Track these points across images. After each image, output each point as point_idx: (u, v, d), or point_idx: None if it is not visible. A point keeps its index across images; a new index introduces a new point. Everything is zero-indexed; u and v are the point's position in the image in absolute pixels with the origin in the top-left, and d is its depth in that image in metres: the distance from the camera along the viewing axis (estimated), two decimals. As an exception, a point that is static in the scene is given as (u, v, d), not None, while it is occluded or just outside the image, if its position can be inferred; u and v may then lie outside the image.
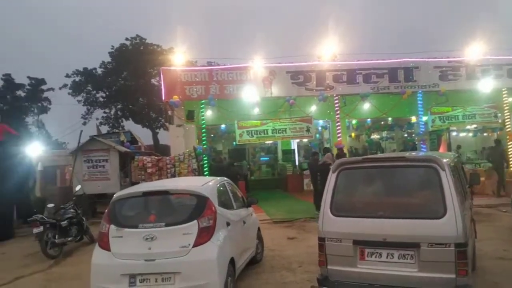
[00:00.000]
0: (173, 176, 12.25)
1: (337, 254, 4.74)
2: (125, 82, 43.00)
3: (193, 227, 5.15)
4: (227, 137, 25.74)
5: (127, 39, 42.49)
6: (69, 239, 9.60)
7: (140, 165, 12.27)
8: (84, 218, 10.35)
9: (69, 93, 41.93)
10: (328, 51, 17.01)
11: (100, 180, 12.51)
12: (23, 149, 12.37)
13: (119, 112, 43.91)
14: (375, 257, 4.60)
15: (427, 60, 17.40)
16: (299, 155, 23.42)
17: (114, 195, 5.75)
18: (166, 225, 5.18)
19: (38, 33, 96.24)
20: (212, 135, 23.49)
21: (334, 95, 16.97)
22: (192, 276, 5.03)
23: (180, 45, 17.49)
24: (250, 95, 16.33)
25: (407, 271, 4.40)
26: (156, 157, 12.72)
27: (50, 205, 10.00)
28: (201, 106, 17.12)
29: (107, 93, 43.25)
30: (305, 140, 22.13)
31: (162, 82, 16.85)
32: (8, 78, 39.85)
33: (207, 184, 5.86)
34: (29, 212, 12.80)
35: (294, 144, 23.35)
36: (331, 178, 4.96)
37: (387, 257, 4.54)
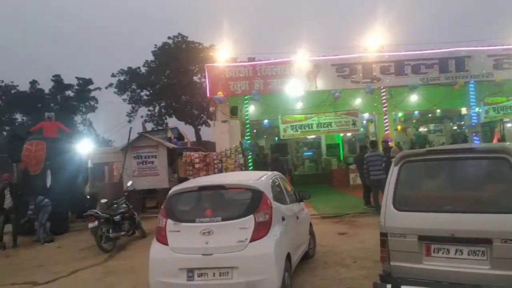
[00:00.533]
0: (220, 171, 12.30)
1: (401, 250, 4.54)
2: (168, 80, 43.79)
3: (249, 221, 5.09)
4: (270, 132, 25.65)
5: (169, 37, 43.20)
6: (122, 233, 9.82)
7: (188, 161, 12.39)
8: (135, 213, 10.56)
9: (114, 92, 43.13)
10: (375, 42, 16.55)
11: (149, 176, 12.75)
12: (75, 146, 12.77)
13: (162, 110, 44.75)
14: (443, 253, 4.36)
15: (480, 48, 16.61)
16: (344, 150, 23.00)
17: (170, 190, 5.78)
18: (223, 220, 5.15)
19: (84, 34, 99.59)
20: (254, 131, 23.47)
21: (381, 87, 16.52)
22: (249, 271, 4.97)
23: (223, 42, 17.44)
24: (295, 90, 16.16)
25: (478, 268, 4.15)
26: (203, 153, 12.81)
27: (103, 200, 10.26)
28: (245, 101, 17.12)
29: (151, 91, 44.19)
30: (348, 134, 21.74)
31: (206, 79, 16.95)
32: (57, 79, 41.44)
33: (261, 179, 5.79)
34: (81, 207, 13.27)
35: (339, 138, 22.98)
36: (393, 172, 4.75)
37: (455, 254, 4.30)
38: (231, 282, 4.99)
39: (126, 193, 10.74)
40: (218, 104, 16.63)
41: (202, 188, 5.66)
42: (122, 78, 43.17)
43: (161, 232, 5.39)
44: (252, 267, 4.98)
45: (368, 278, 6.12)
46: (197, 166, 12.20)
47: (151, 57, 43.51)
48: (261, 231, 5.08)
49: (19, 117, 42.29)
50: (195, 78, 45.73)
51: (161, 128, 32.41)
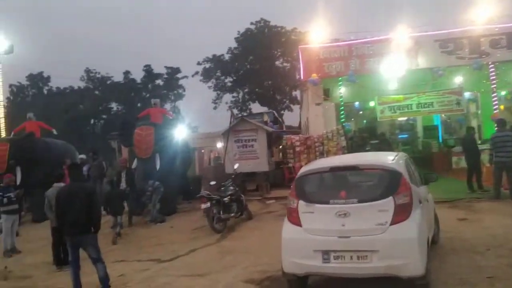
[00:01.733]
0: (322, 154, 12.09)
1: None
2: (251, 66, 44.29)
3: (388, 203, 4.84)
4: (359, 114, 24.93)
5: (252, 23, 43.56)
6: (231, 215, 10.02)
7: (289, 144, 12.34)
8: (242, 195, 10.72)
9: (200, 80, 44.46)
10: (483, 14, 15.20)
11: (250, 159, 12.87)
12: (177, 131, 13.21)
13: (246, 96, 45.42)
14: None
15: None
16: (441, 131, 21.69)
17: (300, 171, 5.70)
18: (359, 202, 4.94)
19: (172, 24, 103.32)
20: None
21: (489, 62, 15.19)
22: (391, 255, 4.74)
23: (316, 22, 17.00)
24: (393, 69, 15.38)
25: None
26: (304, 136, 12.67)
27: (212, 183, 10.55)
28: (339, 83, 16.67)
29: (235, 77, 44.99)
30: (444, 115, 20.42)
31: (300, 61, 16.67)
32: (148, 69, 43.58)
33: (396, 159, 5.49)
34: (186, 189, 13.80)
35: (437, 120, 21.70)
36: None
37: None
38: (370, 266, 4.80)
39: (233, 176, 10.92)
40: (312, 87, 16.35)
41: (334, 169, 5.49)
42: (207, 65, 44.36)
43: (293, 213, 5.31)
44: (393, 251, 4.74)
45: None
46: (298, 149, 12.10)
47: (234, 44, 44.25)
48: (402, 214, 4.81)
49: (114, 105, 45.16)
50: (277, 63, 45.81)
51: (251, 112, 32.70)
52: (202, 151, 19.03)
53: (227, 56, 44.45)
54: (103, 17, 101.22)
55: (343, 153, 11.99)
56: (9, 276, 7.84)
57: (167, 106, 45.97)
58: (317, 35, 16.72)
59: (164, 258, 8.13)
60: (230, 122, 12.99)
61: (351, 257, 4.88)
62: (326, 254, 4.96)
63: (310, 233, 5.09)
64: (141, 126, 12.04)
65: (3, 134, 16.13)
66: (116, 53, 73.52)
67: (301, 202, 5.24)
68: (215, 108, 44.46)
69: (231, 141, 13.05)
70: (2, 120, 17.34)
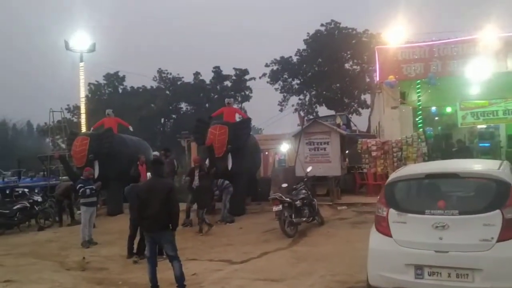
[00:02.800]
0: (400, 160, 11.42)
1: None
2: (319, 68, 43.64)
3: (495, 217, 4.29)
4: (434, 120, 23.56)
5: (322, 25, 42.89)
6: (303, 219, 9.69)
7: (364, 148, 11.79)
8: (314, 200, 10.36)
9: (267, 82, 44.45)
10: None
11: (321, 163, 12.46)
12: (249, 131, 13.10)
13: (313, 98, 44.82)
14: None
15: None
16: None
17: (390, 177, 5.28)
18: (460, 213, 4.43)
19: (241, 25, 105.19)
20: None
21: None
22: (497, 276, 4.19)
23: (395, 22, 16.26)
24: (479, 71, 14.31)
25: None
26: (380, 140, 12.07)
27: (284, 185, 10.26)
28: (417, 85, 15.80)
29: (302, 80, 44.54)
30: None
31: (376, 62, 16.01)
32: (217, 70, 44.30)
33: (502, 168, 4.90)
34: (255, 190, 13.66)
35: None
36: None
37: None
38: (472, 286, 4.28)
39: (305, 179, 10.59)
40: (388, 89, 15.63)
41: (431, 176, 4.99)
42: (274, 67, 44.29)
43: (382, 222, 4.90)
44: (501, 272, 4.19)
45: None
46: (374, 154, 11.52)
47: (303, 46, 43.83)
48: (511, 230, 4.25)
49: (183, 105, 46.37)
50: (347, 65, 44.78)
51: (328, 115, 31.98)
52: (266, 153, 18.82)
53: (295, 58, 44.09)
54: (177, 20, 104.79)
55: (424, 160, 11.27)
56: (86, 267, 8.04)
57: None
58: (394, 35, 16.02)
59: (236, 259, 7.96)
60: (301, 124, 12.65)
61: (449, 275, 4.38)
62: (419, 269, 4.50)
63: (401, 245, 4.65)
64: (215, 125, 12.05)
65: (84, 130, 17.00)
66: (188, 54, 75.85)
67: (392, 211, 4.82)
68: (281, 110, 44.29)
69: (302, 143, 12.71)
70: (84, 116, 18.30)
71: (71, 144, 12.83)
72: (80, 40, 18.90)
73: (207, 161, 12.11)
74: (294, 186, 10.25)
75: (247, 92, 44.97)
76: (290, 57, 44.28)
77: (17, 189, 15.18)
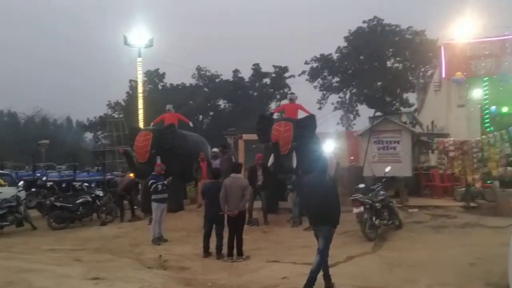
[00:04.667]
0: (480, 161, 10.70)
1: None
2: (359, 66, 42.71)
3: None
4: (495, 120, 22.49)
5: (364, 21, 42.03)
6: (384, 222, 9.19)
7: (441, 148, 11.15)
8: (393, 201, 9.83)
9: (306, 79, 43.87)
10: None
11: (390, 163, 11.85)
12: (314, 128, 12.58)
13: (353, 97, 43.96)
14: None
15: None
16: None
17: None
18: None
19: (282, 21, 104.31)
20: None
21: None
22: None
23: (463, 15, 15.48)
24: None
25: None
26: (459, 140, 11.39)
27: (361, 185, 9.76)
28: (484, 83, 15.01)
29: (342, 77, 43.71)
30: None
31: (442, 58, 15.30)
32: (256, 68, 43.99)
33: None
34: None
35: None
36: None
37: None
38: None
39: (384, 180, 10.06)
40: (454, 87, 14.89)
41: None
42: (314, 65, 43.65)
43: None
44: None
45: None
46: (451, 154, 10.85)
47: (343, 44, 43.02)
48: None
49: (222, 103, 46.30)
50: (389, 63, 43.70)
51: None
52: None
53: (335, 56, 43.35)
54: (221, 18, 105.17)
55: (507, 162, 10.54)
56: (166, 265, 7.78)
57: (272, 105, 46.13)
58: (461, 30, 15.27)
59: (321, 263, 7.51)
60: (372, 122, 12.09)
61: None
62: None
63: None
64: (280, 122, 11.63)
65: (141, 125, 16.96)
66: (228, 51, 75.97)
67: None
68: (319, 108, 43.61)
69: (370, 142, 12.16)
70: (141, 112, 18.27)
71: (133, 140, 12.68)
72: (138, 35, 18.92)
73: (271, 159, 11.73)
74: (372, 187, 9.73)
75: (286, 90, 44.39)
76: (330, 54, 43.57)
77: (74, 183, 15.20)
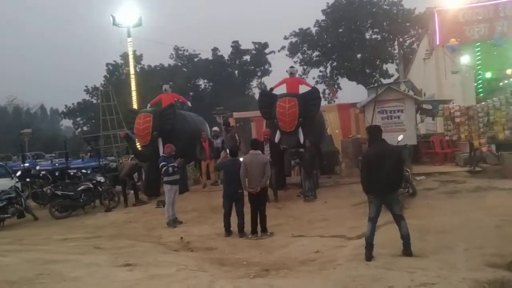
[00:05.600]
0: (486, 126, 10.80)
1: None
2: (339, 39, 42.53)
3: None
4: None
5: (341, -6, 41.62)
6: (400, 190, 9.16)
7: (446, 114, 11.18)
8: (408, 170, 9.86)
9: (286, 55, 43.48)
10: None
11: (395, 132, 11.85)
12: (318, 102, 12.43)
13: (334, 70, 43.91)
14: None
15: None
16: None
17: None
18: None
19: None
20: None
21: None
22: None
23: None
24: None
25: None
26: (464, 105, 11.43)
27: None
28: (476, 49, 15.10)
29: (322, 51, 43.48)
30: None
31: (436, 24, 15.24)
32: (236, 45, 43.30)
33: None
34: (322, 164, 13.13)
35: None
36: None
37: None
38: None
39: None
40: (450, 53, 14.93)
41: None
42: (293, 40, 43.23)
43: None
44: None
45: None
46: (458, 120, 10.89)
47: (322, 17, 42.67)
48: None
49: (202, 82, 45.60)
50: (367, 35, 43.67)
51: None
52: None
53: (314, 30, 43.00)
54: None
55: (512, 125, 10.66)
56: (191, 247, 7.61)
57: (254, 82, 45.75)
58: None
59: (350, 235, 7.50)
60: (377, 92, 11.97)
61: None
62: None
63: None
64: (284, 98, 11.40)
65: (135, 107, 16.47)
66: (207, 31, 74.37)
67: None
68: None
69: (374, 112, 12.10)
70: (134, 93, 17.71)
71: (132, 122, 12.28)
72: (127, 14, 18.15)
73: (277, 135, 11.57)
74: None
75: (266, 67, 44.00)
76: (309, 28, 43.20)
77: (69, 171, 14.74)
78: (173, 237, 8.31)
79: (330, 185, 12.06)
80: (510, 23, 14.08)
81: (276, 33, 44.99)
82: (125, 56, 43.00)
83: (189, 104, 14.71)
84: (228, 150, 8.91)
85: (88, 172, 14.81)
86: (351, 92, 41.90)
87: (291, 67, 13.03)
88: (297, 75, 12.78)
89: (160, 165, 9.28)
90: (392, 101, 12.07)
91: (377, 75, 43.83)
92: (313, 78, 43.81)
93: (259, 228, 8.06)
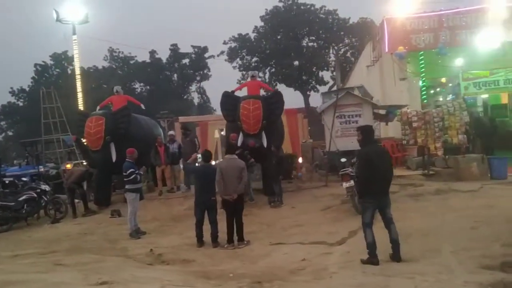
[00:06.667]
0: (441, 130, 11.23)
1: None
2: (277, 46, 43.09)
3: None
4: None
5: (280, 0, 42.24)
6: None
7: (404, 119, 11.48)
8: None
9: (225, 60, 43.34)
10: None
11: (353, 136, 11.97)
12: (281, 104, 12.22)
13: (273, 76, 44.35)
14: None
15: None
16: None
17: None
18: None
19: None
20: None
21: None
22: None
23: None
24: (487, 41, 14.53)
25: None
26: (421, 110, 11.82)
27: (343, 160, 9.79)
28: (420, 56, 15.80)
29: (260, 57, 43.79)
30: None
31: (385, 33, 15.74)
32: (174, 48, 42.34)
33: None
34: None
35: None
36: None
37: None
38: None
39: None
40: (398, 60, 15.48)
41: None
42: (233, 45, 43.19)
43: None
44: None
45: None
46: (415, 125, 11.23)
47: (260, 23, 43.04)
48: None
49: (138, 86, 44.05)
50: (304, 42, 44.66)
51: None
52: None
53: (252, 36, 43.26)
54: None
55: (466, 130, 11.19)
56: (165, 260, 7.04)
57: (193, 87, 44.99)
58: (402, 5, 15.81)
59: (330, 241, 7.35)
60: (337, 97, 12.01)
61: None
62: None
63: None
64: (248, 100, 11.08)
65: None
66: (144, 33, 71.79)
67: None
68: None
69: (333, 117, 12.17)
70: (80, 95, 16.37)
71: (83, 126, 11.33)
72: (72, 10, 16.76)
73: (240, 138, 11.23)
74: (353, 161, 9.70)
75: (205, 71, 43.50)
76: (247, 34, 43.39)
77: (4, 179, 13.30)
78: (140, 249, 7.66)
79: (293, 190, 11.90)
80: (453, 33, 14.89)
81: (216, 37, 44.84)
82: (55, 57, 40.75)
83: (143, 106, 13.86)
84: (201, 155, 8.43)
85: (26, 179, 13.48)
86: (289, 97, 42.48)
87: (253, 70, 12.82)
88: (257, 78, 12.49)
89: (128, 171, 8.58)
90: (350, 105, 12.22)
91: (313, 82, 44.97)
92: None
93: (235, 237, 7.66)
